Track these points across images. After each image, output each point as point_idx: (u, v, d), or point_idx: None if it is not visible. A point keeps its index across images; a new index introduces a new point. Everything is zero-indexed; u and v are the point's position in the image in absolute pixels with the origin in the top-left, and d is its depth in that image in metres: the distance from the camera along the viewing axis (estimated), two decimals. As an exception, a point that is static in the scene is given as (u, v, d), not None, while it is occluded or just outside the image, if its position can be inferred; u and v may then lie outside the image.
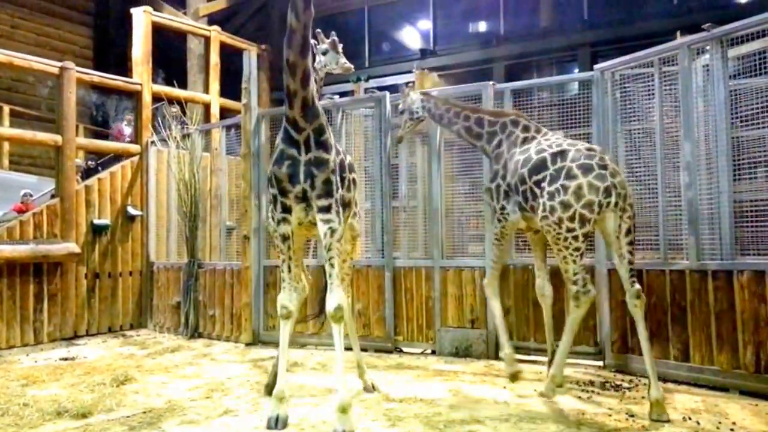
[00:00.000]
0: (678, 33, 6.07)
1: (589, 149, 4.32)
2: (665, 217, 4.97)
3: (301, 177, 3.91)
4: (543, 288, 4.89)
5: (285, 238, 4.04)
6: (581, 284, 4.18)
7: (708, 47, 4.74)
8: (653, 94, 5.12)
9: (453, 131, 5.32)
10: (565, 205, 4.10)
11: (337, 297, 3.85)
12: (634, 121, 5.32)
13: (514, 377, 4.77)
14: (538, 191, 4.32)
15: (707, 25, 4.73)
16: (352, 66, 5.59)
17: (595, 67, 5.55)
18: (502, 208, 4.75)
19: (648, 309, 4.96)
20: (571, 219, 4.09)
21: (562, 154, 4.28)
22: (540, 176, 4.32)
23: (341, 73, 5.60)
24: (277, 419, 3.80)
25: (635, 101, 5.28)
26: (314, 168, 3.93)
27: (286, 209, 3.99)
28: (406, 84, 5.70)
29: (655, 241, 5.07)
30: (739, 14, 4.69)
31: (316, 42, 6.58)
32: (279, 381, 3.95)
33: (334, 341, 3.89)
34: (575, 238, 4.11)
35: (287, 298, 4.05)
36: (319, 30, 7.03)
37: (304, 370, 5.48)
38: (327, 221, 3.96)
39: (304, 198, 3.95)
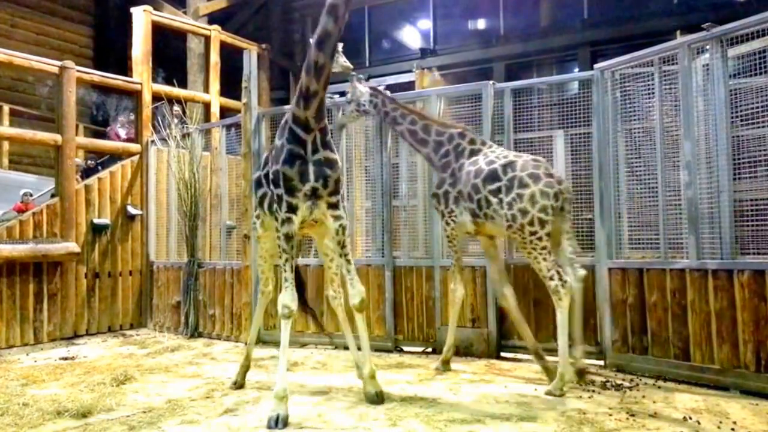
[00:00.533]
0: (678, 32, 6.08)
1: (534, 160, 4.78)
2: (665, 216, 4.97)
3: (311, 176, 4.04)
4: (503, 290, 5.16)
5: (289, 237, 4.09)
6: (557, 278, 4.51)
7: (708, 46, 4.73)
8: (653, 93, 5.12)
9: (396, 131, 5.58)
10: (524, 212, 4.57)
11: (360, 290, 4.22)
12: (635, 120, 5.32)
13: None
14: (494, 200, 4.75)
15: (707, 24, 4.73)
16: (351, 65, 5.69)
17: (595, 66, 5.55)
18: (451, 211, 5.14)
19: (648, 308, 4.99)
20: (531, 223, 4.55)
21: (511, 164, 4.72)
22: (494, 186, 4.74)
23: (340, 72, 5.55)
24: (277, 419, 3.81)
25: (635, 100, 5.28)
26: (326, 168, 4.09)
27: (292, 208, 4.06)
28: (358, 75, 5.80)
29: (655, 240, 5.07)
30: (739, 14, 4.68)
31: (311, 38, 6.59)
32: (280, 380, 3.97)
33: (359, 328, 4.30)
34: (539, 239, 4.55)
35: (290, 298, 4.09)
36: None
37: (304, 370, 5.47)
38: (338, 218, 4.20)
39: (311, 196, 4.07)
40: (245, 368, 4.96)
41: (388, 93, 5.73)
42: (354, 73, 5.71)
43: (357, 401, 4.33)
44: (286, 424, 3.81)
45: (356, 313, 4.28)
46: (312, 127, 4.06)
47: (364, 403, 4.26)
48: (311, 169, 4.05)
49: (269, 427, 3.79)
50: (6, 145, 11.38)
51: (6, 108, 11.66)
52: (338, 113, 6.53)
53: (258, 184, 4.63)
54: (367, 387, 4.30)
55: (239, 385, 4.85)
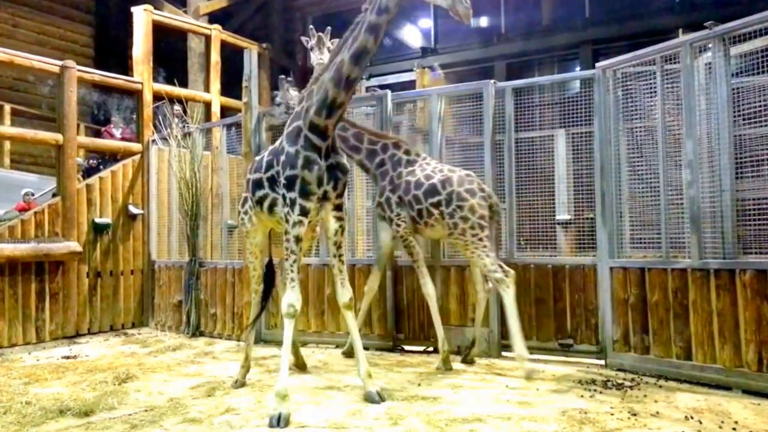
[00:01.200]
0: (680, 31, 6.08)
1: (468, 175, 5.35)
2: (667, 215, 4.96)
3: (325, 180, 4.25)
4: (427, 287, 5.47)
5: (299, 239, 4.24)
6: (501, 271, 5.02)
7: (710, 45, 4.72)
8: (655, 92, 5.10)
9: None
10: (465, 219, 5.12)
11: (349, 289, 4.44)
12: (636, 119, 5.31)
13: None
14: (435, 211, 5.26)
15: (709, 23, 4.71)
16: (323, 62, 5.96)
17: (597, 65, 5.54)
18: (398, 215, 5.51)
19: (650, 307, 4.98)
20: (472, 227, 5.11)
21: (448, 180, 5.24)
22: (435, 200, 5.26)
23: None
24: (279, 418, 3.82)
25: (637, 99, 5.27)
26: (338, 171, 4.35)
27: (305, 212, 4.22)
28: (287, 79, 6.04)
29: (657, 240, 5.06)
30: (742, 12, 4.67)
31: (307, 39, 6.74)
32: (282, 378, 4.00)
33: (349, 326, 4.49)
34: (480, 239, 5.10)
35: (296, 298, 4.20)
36: (311, 27, 7.12)
37: (306, 369, 5.47)
38: (339, 219, 4.45)
39: (321, 199, 4.30)
40: (246, 368, 5.01)
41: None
42: (283, 76, 6.07)
43: (358, 400, 4.33)
44: (287, 423, 3.82)
45: (346, 312, 4.45)
46: (330, 135, 4.27)
47: (365, 402, 4.26)
48: (325, 174, 4.25)
49: (271, 426, 3.80)
50: (8, 144, 11.39)
51: (7, 107, 11.66)
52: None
53: (258, 185, 4.66)
54: (366, 387, 4.32)
55: (240, 384, 4.87)
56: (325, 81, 4.14)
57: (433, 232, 5.42)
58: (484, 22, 13.02)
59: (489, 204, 5.24)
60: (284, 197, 4.26)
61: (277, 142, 4.59)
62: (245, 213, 4.99)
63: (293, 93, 5.89)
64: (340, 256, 4.46)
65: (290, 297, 4.18)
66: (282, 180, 4.26)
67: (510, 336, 5.02)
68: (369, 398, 4.26)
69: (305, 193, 4.19)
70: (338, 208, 4.43)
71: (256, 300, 5.19)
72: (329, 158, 4.29)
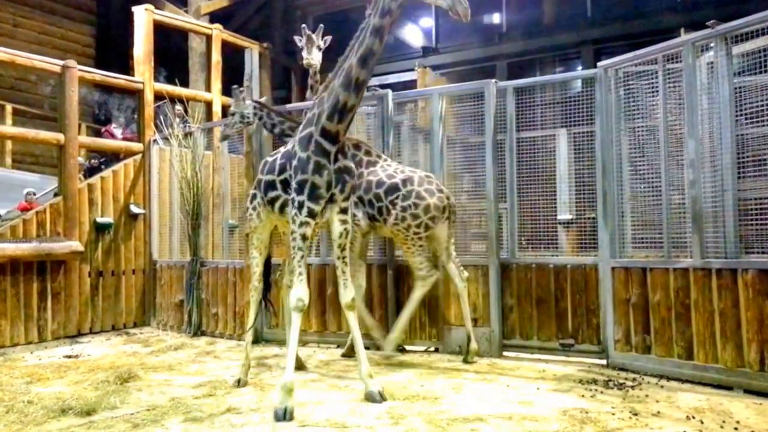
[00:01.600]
0: (682, 30, 6.06)
1: (427, 176, 5.63)
2: (669, 214, 4.95)
3: (333, 183, 4.40)
4: (359, 280, 5.73)
5: (305, 238, 4.40)
6: (426, 270, 5.53)
7: (712, 44, 4.71)
8: (657, 91, 5.09)
9: (287, 142, 5.98)
10: (416, 217, 5.42)
11: (351, 290, 4.49)
12: (638, 118, 5.30)
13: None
14: (393, 209, 5.49)
15: (711, 22, 4.70)
16: (312, 63, 6.58)
17: (599, 64, 5.53)
18: (353, 215, 5.55)
19: (652, 307, 4.98)
20: (418, 226, 5.44)
21: (409, 179, 5.51)
22: (394, 196, 5.50)
23: (305, 67, 6.64)
24: (285, 411, 3.90)
25: (639, 98, 5.26)
26: (346, 175, 4.49)
27: (313, 214, 4.38)
28: (239, 89, 6.19)
29: (658, 239, 5.06)
30: (744, 11, 4.66)
31: (300, 38, 6.80)
32: (288, 372, 4.08)
33: (351, 326, 4.49)
34: (420, 238, 5.48)
35: (304, 292, 4.32)
36: (304, 26, 7.16)
37: (308, 368, 5.47)
38: (344, 221, 4.54)
39: (328, 201, 4.44)
40: (246, 367, 5.01)
41: (273, 106, 6.35)
42: (236, 86, 6.27)
43: (359, 400, 4.33)
44: (293, 416, 3.90)
45: (348, 312, 4.48)
46: (340, 140, 4.38)
47: (366, 402, 4.26)
48: (333, 177, 4.39)
49: (277, 419, 3.87)
50: (9, 144, 11.41)
51: (9, 107, 11.68)
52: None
53: (271, 186, 4.81)
54: (367, 387, 4.33)
55: (243, 383, 4.88)
56: (336, 87, 4.25)
57: (388, 229, 5.61)
58: (485, 21, 13.01)
59: (446, 205, 5.52)
60: (293, 199, 4.40)
61: (289, 145, 4.74)
62: (253, 209, 5.10)
63: (247, 102, 6.03)
64: (344, 258, 4.52)
65: (299, 291, 4.29)
66: (293, 184, 4.42)
67: (395, 325, 5.48)
68: (370, 398, 4.26)
69: (314, 197, 4.34)
70: (344, 211, 4.52)
71: (256, 298, 5.21)
72: (337, 162, 4.41)
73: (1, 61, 7.35)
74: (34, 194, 8.86)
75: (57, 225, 7.41)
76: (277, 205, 4.78)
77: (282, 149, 4.95)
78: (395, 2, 4.00)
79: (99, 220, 7.87)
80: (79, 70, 7.80)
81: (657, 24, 10.23)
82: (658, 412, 3.94)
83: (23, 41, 12.60)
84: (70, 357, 6.38)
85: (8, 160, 11.49)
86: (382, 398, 4.26)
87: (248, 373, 5.02)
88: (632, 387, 4.58)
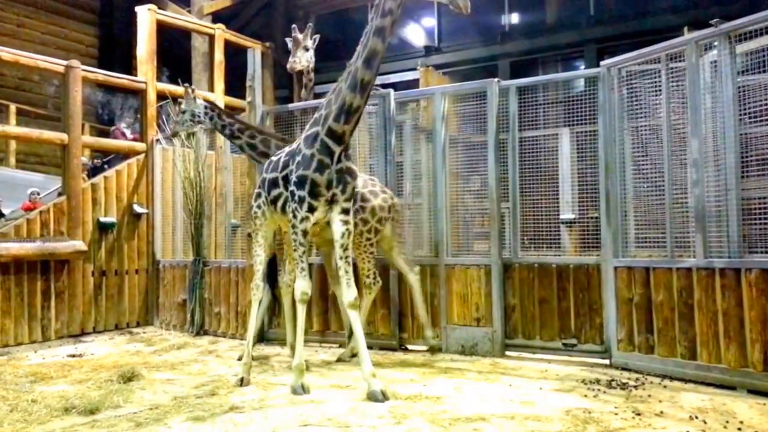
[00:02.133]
0: (685, 29, 6.04)
1: (371, 179, 5.82)
2: (672, 214, 4.94)
3: (335, 183, 4.53)
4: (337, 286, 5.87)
5: (306, 233, 4.60)
6: (372, 278, 5.67)
7: (716, 43, 4.69)
8: (660, 90, 5.08)
9: (235, 144, 6.15)
10: (365, 221, 5.51)
11: (354, 290, 4.58)
12: (641, 117, 5.28)
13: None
14: None
15: (715, 20, 4.69)
16: (297, 66, 6.71)
17: (602, 63, 5.52)
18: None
19: (655, 307, 4.97)
20: (369, 230, 5.54)
21: None
22: None
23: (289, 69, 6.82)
24: (301, 386, 4.46)
25: (642, 98, 5.24)
26: (348, 176, 4.62)
27: (312, 209, 4.54)
28: (191, 87, 6.31)
29: (661, 239, 5.05)
30: (748, 9, 4.64)
31: (290, 39, 6.85)
32: (298, 355, 4.54)
33: (354, 326, 4.55)
34: (371, 244, 5.60)
35: (307, 285, 4.66)
36: (309, 25, 7.19)
37: (309, 368, 5.47)
38: (346, 222, 4.65)
39: (329, 201, 4.58)
40: (248, 366, 5.04)
41: (223, 108, 6.51)
42: (187, 84, 6.42)
43: (362, 399, 4.33)
44: (308, 390, 4.46)
45: (351, 311, 4.56)
46: (345, 141, 4.52)
47: (368, 402, 4.26)
48: (335, 177, 4.52)
49: (296, 394, 4.40)
50: (13, 144, 11.45)
51: (13, 107, 11.72)
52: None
53: (274, 184, 4.96)
54: (370, 386, 4.34)
55: (246, 382, 4.88)
56: (342, 89, 4.40)
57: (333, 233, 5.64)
58: (488, 20, 12.98)
59: (390, 204, 5.69)
60: (293, 194, 4.56)
61: (294, 144, 4.88)
62: (258, 207, 5.20)
63: (198, 101, 6.15)
64: (347, 257, 4.61)
65: (302, 284, 4.61)
66: (293, 178, 4.57)
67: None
68: (373, 397, 4.27)
69: (314, 194, 4.50)
70: (345, 211, 4.64)
71: (258, 297, 5.26)
72: (340, 163, 4.54)
73: (5, 61, 7.37)
74: (38, 194, 8.89)
75: (60, 224, 7.43)
76: (280, 203, 4.91)
77: (287, 148, 5.05)
78: (395, 2, 4.12)
79: (102, 219, 7.88)
80: (83, 70, 7.82)
81: (660, 23, 10.20)
82: (661, 412, 3.93)
83: (27, 41, 12.64)
84: (73, 356, 6.40)
85: (12, 160, 11.54)
86: (385, 397, 4.26)
87: (251, 372, 5.02)
88: (635, 387, 4.57)
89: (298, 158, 4.58)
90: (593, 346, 5.47)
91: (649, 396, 4.32)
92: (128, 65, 12.09)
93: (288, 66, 6.77)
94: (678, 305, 4.82)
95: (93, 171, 9.20)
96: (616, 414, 3.90)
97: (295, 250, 4.63)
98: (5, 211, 8.70)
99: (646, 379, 4.81)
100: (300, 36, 6.67)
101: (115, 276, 8.06)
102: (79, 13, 14.28)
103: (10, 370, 5.59)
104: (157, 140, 8.47)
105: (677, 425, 3.68)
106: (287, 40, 6.92)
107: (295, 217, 4.55)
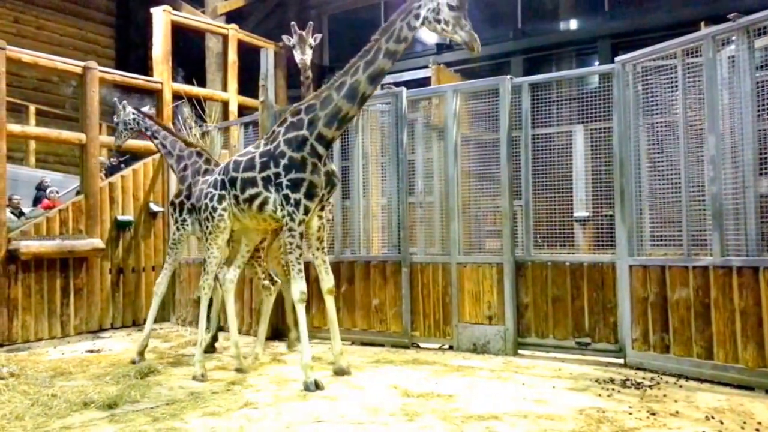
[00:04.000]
0: (702, 23, 5.95)
1: None
2: (688, 212, 4.88)
3: (324, 184, 4.81)
4: (159, 286, 6.22)
5: (302, 236, 4.77)
6: (268, 279, 5.81)
7: (733, 38, 4.62)
8: (676, 86, 5.01)
9: (155, 143, 6.62)
10: None
11: (331, 277, 5.02)
12: (657, 114, 5.22)
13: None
14: None
15: (733, 14, 4.61)
16: (308, 63, 7.03)
17: (616, 59, 5.46)
18: (184, 220, 6.12)
19: (670, 306, 4.91)
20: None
21: None
22: None
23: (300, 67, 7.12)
24: (315, 383, 4.56)
25: (657, 94, 5.18)
26: (334, 178, 4.97)
27: (307, 211, 4.74)
28: (121, 102, 6.74)
29: (678, 237, 4.98)
30: (766, 3, 4.56)
31: (289, 37, 6.95)
32: (305, 354, 4.65)
33: (329, 310, 5.03)
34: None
35: (304, 286, 4.78)
36: (310, 23, 7.26)
37: (322, 364, 5.50)
38: (321, 217, 5.06)
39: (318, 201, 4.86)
40: (238, 356, 5.39)
41: (148, 112, 6.93)
42: (116, 99, 6.90)
43: (374, 397, 4.35)
44: (321, 386, 4.57)
45: (328, 296, 5.02)
46: (332, 144, 4.86)
47: (381, 399, 4.28)
48: (323, 178, 4.80)
49: (309, 390, 4.51)
50: (33, 144, 11.66)
51: (32, 108, 11.94)
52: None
53: (250, 184, 5.00)
54: (337, 362, 5.03)
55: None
56: (336, 97, 4.58)
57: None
58: (500, 17, 12.90)
59: None
60: (287, 197, 4.71)
61: (262, 146, 4.99)
62: (224, 209, 5.23)
63: (128, 110, 6.56)
64: (323, 248, 5.05)
65: (301, 285, 4.74)
66: (285, 182, 4.71)
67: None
68: (337, 371, 4.98)
69: (310, 195, 4.70)
70: (322, 208, 5.02)
71: (208, 296, 5.48)
72: (325, 165, 4.84)
73: (25, 63, 7.50)
74: (57, 193, 9.04)
75: (79, 223, 7.56)
76: (257, 202, 4.97)
77: (251, 148, 5.19)
78: (411, 32, 4.38)
79: (120, 218, 8.00)
80: (100, 71, 7.94)
81: (676, 17, 10.05)
82: (677, 412, 3.89)
83: (46, 43, 12.85)
84: (92, 352, 6.52)
85: (32, 160, 11.75)
86: (348, 371, 4.99)
87: (242, 360, 5.39)
88: (650, 386, 4.53)
89: (284, 161, 4.70)
90: (607, 345, 5.42)
91: (665, 396, 4.28)
92: (144, 66, 12.22)
93: (299, 62, 6.93)
94: (694, 304, 4.76)
95: (110, 170, 9.33)
96: (631, 413, 3.87)
97: (290, 253, 4.73)
98: (25, 210, 8.86)
99: (661, 378, 4.76)
100: (305, 33, 6.87)
101: (132, 273, 8.17)
102: (96, 15, 14.48)
103: (30, 365, 5.71)
104: (173, 139, 8.54)
105: (693, 425, 3.64)
106: (285, 38, 7.09)
107: (292, 220, 4.68)
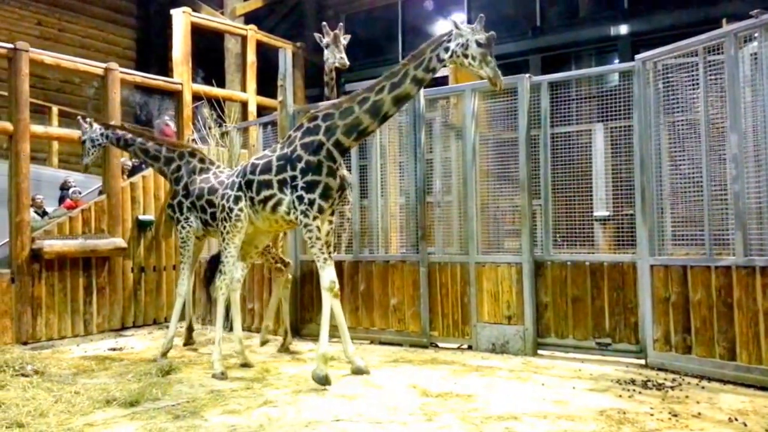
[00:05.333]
0: (724, 20, 5.86)
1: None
2: (710, 211, 4.81)
3: (338, 187, 4.99)
4: (181, 287, 6.32)
5: (319, 228, 4.93)
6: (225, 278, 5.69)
7: (756, 35, 4.55)
8: (698, 84, 4.95)
9: (129, 150, 6.62)
10: None
11: (336, 278, 5.04)
12: (678, 112, 5.15)
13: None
14: (216, 211, 5.72)
15: (755, 11, 4.54)
16: (347, 62, 6.96)
17: (637, 57, 5.40)
18: (186, 218, 6.22)
19: (692, 306, 4.85)
20: None
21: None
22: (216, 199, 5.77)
23: (339, 67, 7.07)
24: (324, 376, 4.62)
25: (679, 92, 5.12)
26: (345, 183, 5.20)
27: (321, 210, 4.91)
28: (85, 119, 6.59)
29: (699, 237, 4.92)
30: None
31: (321, 36, 6.95)
32: (323, 345, 4.72)
33: (334, 309, 5.03)
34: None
35: (334, 274, 4.91)
36: (324, 23, 7.25)
37: (341, 363, 5.53)
38: (332, 222, 5.38)
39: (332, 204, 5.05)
40: (242, 353, 5.60)
41: (115, 123, 6.89)
42: (79, 116, 6.77)
43: (392, 396, 4.37)
44: (330, 381, 4.63)
45: (333, 298, 5.07)
46: (348, 152, 5.26)
47: (399, 399, 4.30)
48: (338, 182, 4.96)
49: (320, 383, 4.60)
50: (56, 144, 11.86)
51: (55, 109, 12.15)
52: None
53: (266, 185, 5.14)
54: (354, 363, 5.10)
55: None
56: (359, 111, 4.73)
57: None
58: (518, 15, 12.82)
59: None
60: (300, 198, 4.87)
61: (278, 150, 5.14)
62: (240, 210, 5.32)
63: (95, 127, 6.46)
64: (330, 252, 5.15)
65: (331, 273, 4.87)
66: (300, 183, 4.88)
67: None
68: (358, 371, 5.05)
69: (326, 196, 4.86)
70: (332, 212, 5.25)
71: (225, 295, 5.56)
72: (339, 170, 5.00)
73: (48, 65, 7.65)
74: (80, 193, 9.20)
75: (101, 222, 7.69)
76: (271, 203, 5.12)
77: (267, 152, 5.32)
78: (440, 64, 4.57)
79: (141, 217, 8.12)
80: (121, 72, 8.06)
81: (697, 15, 9.89)
82: (699, 414, 3.85)
83: (68, 45, 13.08)
84: (114, 350, 6.62)
85: (55, 160, 11.96)
86: (367, 371, 5.04)
87: (247, 355, 5.63)
88: (672, 387, 4.48)
89: (301, 164, 4.87)
90: (628, 345, 5.37)
91: (687, 397, 4.23)
92: (164, 67, 12.38)
93: (338, 63, 6.94)
94: (717, 304, 4.70)
95: (132, 170, 9.46)
96: (652, 415, 3.83)
97: (312, 246, 4.89)
98: (48, 210, 9.03)
99: (683, 379, 4.71)
100: (339, 33, 6.85)
101: (153, 272, 8.29)
102: (117, 18, 14.69)
103: (54, 363, 5.79)
104: (193, 140, 8.66)
105: (716, 427, 3.60)
106: (317, 36, 7.03)
107: (306, 216, 4.85)
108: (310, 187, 4.83)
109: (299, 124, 5.09)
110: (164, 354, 6.00)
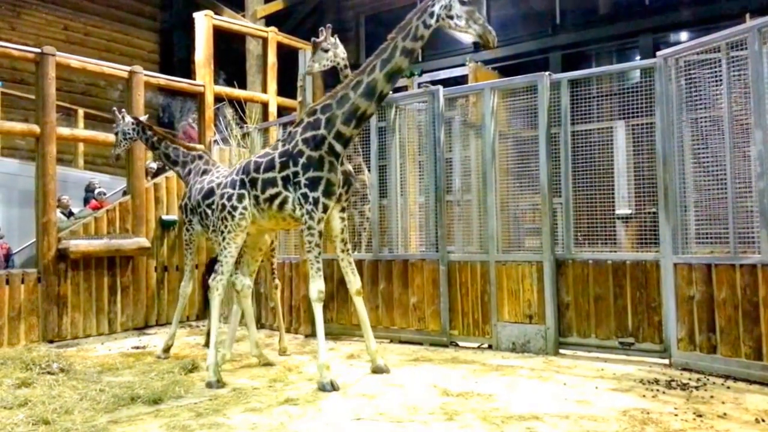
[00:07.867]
0: (747, 16, 5.75)
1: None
2: (735, 208, 4.72)
3: (341, 183, 4.90)
4: (185, 288, 6.48)
5: (321, 234, 4.83)
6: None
7: (782, 29, 4.45)
8: (721, 80, 4.86)
9: (155, 153, 6.81)
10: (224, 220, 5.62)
11: (358, 278, 5.10)
12: (701, 108, 5.07)
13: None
14: (209, 212, 5.78)
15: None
16: (320, 67, 6.69)
17: (658, 53, 5.32)
18: (190, 221, 6.32)
19: (717, 305, 4.77)
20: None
21: (223, 183, 5.58)
22: (209, 201, 5.77)
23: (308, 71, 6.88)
24: (331, 383, 4.56)
25: (701, 88, 5.03)
26: (351, 177, 5.14)
27: (326, 209, 4.81)
28: (119, 110, 6.74)
29: (724, 235, 4.83)
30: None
31: (320, 39, 6.90)
32: (322, 353, 4.69)
33: (359, 310, 5.16)
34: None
35: (323, 285, 4.86)
36: (328, 26, 7.22)
37: (360, 361, 5.56)
38: (343, 219, 5.13)
39: (337, 200, 4.94)
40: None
41: (145, 121, 6.82)
42: (115, 108, 6.88)
43: (413, 395, 4.38)
44: (336, 386, 4.56)
45: (357, 297, 5.14)
46: (350, 143, 4.92)
47: (420, 398, 4.30)
48: (341, 178, 4.89)
49: (325, 390, 4.51)
50: (81, 146, 12.12)
51: (81, 112, 12.42)
52: (391, 109, 6.68)
53: (271, 184, 5.04)
54: (375, 361, 5.09)
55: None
56: (354, 96, 4.65)
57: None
58: (538, 12, 12.72)
59: None
60: (305, 196, 4.77)
61: (280, 146, 5.05)
62: (244, 209, 5.18)
63: (127, 120, 6.57)
64: (348, 250, 5.12)
65: (320, 284, 4.83)
66: (303, 180, 4.78)
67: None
68: (378, 370, 5.02)
69: (328, 193, 4.76)
70: (343, 209, 5.09)
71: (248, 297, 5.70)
72: (342, 165, 4.91)
73: (74, 68, 7.84)
74: (104, 194, 9.39)
75: (126, 222, 7.84)
76: (277, 201, 5.03)
77: (269, 150, 5.23)
78: (427, 30, 4.47)
79: (164, 217, 8.26)
80: (145, 75, 8.21)
81: (719, 10, 9.72)
82: (725, 414, 3.78)
83: (93, 49, 13.36)
84: (137, 348, 6.74)
85: (81, 162, 12.22)
86: (387, 369, 5.04)
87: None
88: (696, 387, 4.41)
89: (302, 160, 4.77)
90: (652, 345, 5.30)
91: (712, 397, 4.16)
92: (187, 69, 12.56)
93: (306, 69, 6.77)
94: (742, 303, 4.61)
95: (155, 173, 9.62)
96: (676, 415, 3.78)
97: (309, 252, 4.79)
98: (74, 210, 9.23)
99: (707, 379, 4.63)
100: (318, 39, 6.69)
101: (176, 271, 8.42)
102: (141, 22, 14.97)
103: (79, 361, 5.92)
104: (215, 141, 8.78)
105: (742, 428, 3.54)
106: (313, 40, 7.04)
107: (311, 218, 4.74)
108: (312, 184, 4.73)
109: (299, 120, 5.02)
110: (166, 350, 6.14)
